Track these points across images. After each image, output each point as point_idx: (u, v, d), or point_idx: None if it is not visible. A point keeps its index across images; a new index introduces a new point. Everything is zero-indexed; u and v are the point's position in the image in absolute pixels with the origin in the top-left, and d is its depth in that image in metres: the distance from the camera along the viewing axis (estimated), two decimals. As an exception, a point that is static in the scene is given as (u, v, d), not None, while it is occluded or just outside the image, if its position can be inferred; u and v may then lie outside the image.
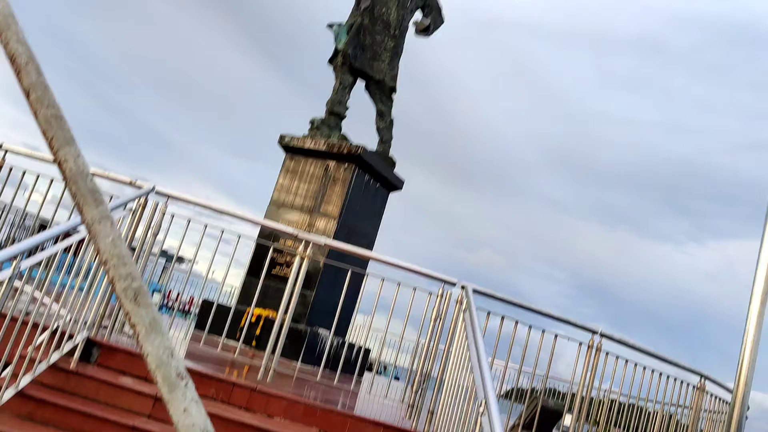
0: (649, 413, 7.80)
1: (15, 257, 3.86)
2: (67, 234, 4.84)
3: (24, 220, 8.23)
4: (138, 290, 1.47)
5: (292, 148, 10.69)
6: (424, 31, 11.40)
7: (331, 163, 10.43)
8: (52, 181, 6.32)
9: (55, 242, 4.66)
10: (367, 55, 10.98)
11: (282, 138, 10.74)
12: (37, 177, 6.34)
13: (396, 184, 11.32)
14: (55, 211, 6.80)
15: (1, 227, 7.99)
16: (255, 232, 9.56)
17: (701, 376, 7.74)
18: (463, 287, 5.82)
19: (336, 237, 9.80)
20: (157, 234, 5.97)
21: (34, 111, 1.69)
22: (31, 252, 4.29)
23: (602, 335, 6.36)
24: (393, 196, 11.48)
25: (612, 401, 7.35)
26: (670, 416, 8.12)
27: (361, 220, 10.63)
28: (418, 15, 11.51)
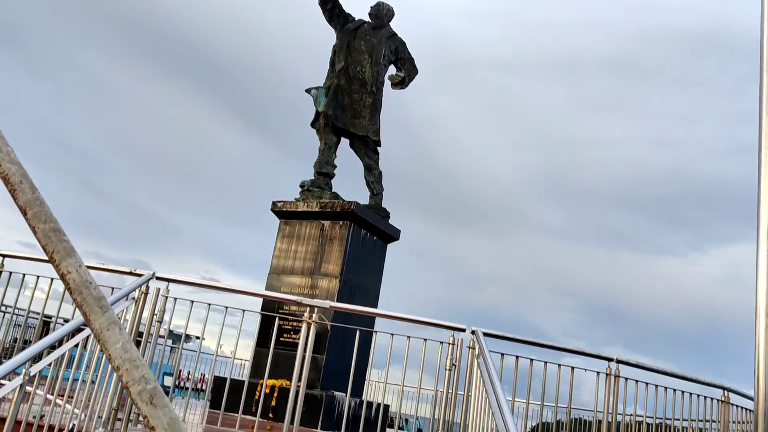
0: (678, 430, 7.70)
1: (24, 363, 3.86)
2: (77, 330, 4.85)
3: (27, 319, 8.23)
4: (153, 392, 1.48)
5: (285, 213, 10.76)
6: (400, 83, 11.62)
7: (326, 223, 10.49)
8: (52, 280, 6.35)
9: (60, 344, 4.65)
10: (347, 114, 11.17)
11: (275, 204, 10.83)
12: (37, 279, 6.39)
13: (393, 235, 11.36)
14: (59, 307, 6.81)
15: (8, 330, 7.99)
16: (259, 301, 9.54)
17: (723, 389, 7.67)
18: (473, 332, 5.80)
19: (339, 295, 9.79)
20: (162, 320, 5.97)
21: (32, 227, 1.73)
22: (37, 357, 4.29)
23: (618, 362, 6.32)
24: (391, 247, 11.51)
25: (639, 423, 7.26)
26: (700, 430, 8.01)
27: (362, 276, 10.63)
28: (392, 69, 11.75)
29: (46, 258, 1.71)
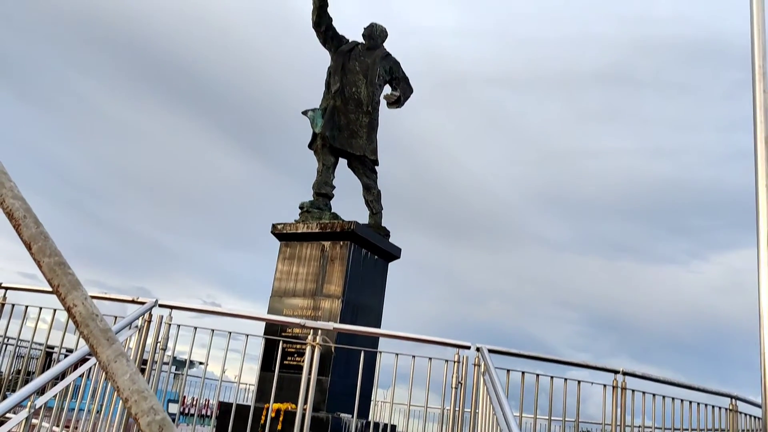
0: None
1: (29, 396, 3.85)
2: (82, 360, 4.84)
3: (30, 350, 8.21)
4: (162, 423, 1.49)
5: (286, 235, 10.76)
6: (396, 102, 11.69)
7: (327, 244, 10.48)
8: (55, 311, 6.34)
9: (64, 375, 4.64)
10: (344, 135, 11.24)
11: (275, 227, 10.83)
12: (40, 310, 6.38)
13: (394, 254, 11.36)
14: (63, 337, 6.79)
15: (11, 362, 7.96)
16: (262, 325, 9.51)
17: (731, 397, 7.64)
18: (478, 349, 5.79)
19: (342, 316, 9.76)
20: (165, 348, 5.96)
21: (37, 261, 1.74)
22: (41, 390, 4.27)
23: (624, 373, 6.31)
24: (392, 266, 11.50)
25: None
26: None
27: (365, 296, 10.61)
28: (387, 89, 11.82)
29: (50, 289, 1.72)
